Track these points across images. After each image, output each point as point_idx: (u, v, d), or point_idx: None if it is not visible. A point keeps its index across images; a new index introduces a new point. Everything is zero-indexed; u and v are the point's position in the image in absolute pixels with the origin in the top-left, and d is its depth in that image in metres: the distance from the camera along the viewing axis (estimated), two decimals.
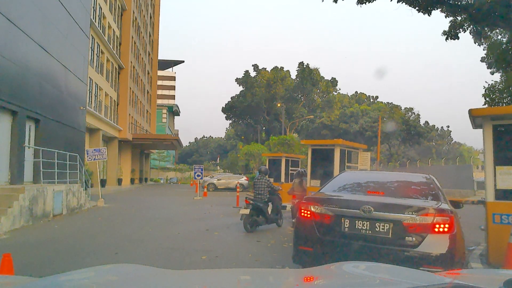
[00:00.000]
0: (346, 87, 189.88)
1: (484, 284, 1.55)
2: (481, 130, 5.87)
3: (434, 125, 64.17)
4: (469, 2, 13.35)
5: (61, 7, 15.66)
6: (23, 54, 12.77)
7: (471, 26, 14.80)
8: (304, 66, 55.56)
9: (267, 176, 10.41)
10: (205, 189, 25.26)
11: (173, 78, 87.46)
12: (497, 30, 17.04)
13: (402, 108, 54.49)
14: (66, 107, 16.99)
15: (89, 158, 16.53)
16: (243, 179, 32.14)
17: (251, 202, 9.70)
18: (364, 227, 4.26)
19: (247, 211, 9.51)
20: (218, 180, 32.95)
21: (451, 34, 14.79)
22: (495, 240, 5.46)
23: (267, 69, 57.55)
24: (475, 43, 19.14)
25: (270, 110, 55.57)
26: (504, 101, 13.03)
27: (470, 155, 63.25)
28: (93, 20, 24.99)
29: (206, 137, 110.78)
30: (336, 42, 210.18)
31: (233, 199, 18.01)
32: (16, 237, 8.30)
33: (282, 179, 18.05)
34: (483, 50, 19.44)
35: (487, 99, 13.48)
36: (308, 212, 4.67)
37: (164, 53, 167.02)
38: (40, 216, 10.64)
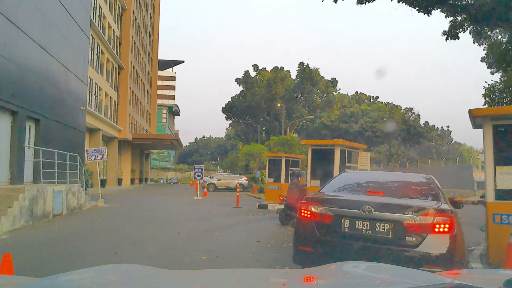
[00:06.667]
0: (346, 87, 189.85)
1: (484, 284, 1.55)
2: (481, 130, 5.87)
3: (434, 125, 64.08)
4: (469, 2, 13.34)
5: (61, 7, 15.66)
6: (23, 54, 12.78)
7: (471, 26, 14.77)
8: (304, 66, 55.48)
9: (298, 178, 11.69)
10: (205, 189, 25.27)
11: (173, 78, 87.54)
12: (497, 30, 17.03)
13: (402, 108, 54.37)
14: (66, 107, 17.00)
15: (89, 158, 16.54)
16: (243, 179, 32.18)
17: (284, 199, 11.02)
18: (364, 227, 4.26)
19: (281, 207, 11.24)
20: (218, 180, 32.98)
21: (451, 34, 14.77)
22: (495, 240, 5.46)
23: (267, 69, 57.51)
24: (475, 43, 19.14)
25: (270, 110, 55.52)
26: (504, 101, 12.99)
27: (470, 155, 63.23)
28: (93, 20, 24.99)
29: (206, 137, 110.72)
30: (337, 42, 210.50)
31: (233, 199, 17.99)
32: (16, 237, 8.29)
33: (282, 179, 18.01)
34: (483, 50, 19.45)
35: (487, 99, 13.44)
36: (308, 212, 4.66)
37: (164, 53, 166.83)
38: (40, 216, 10.64)
